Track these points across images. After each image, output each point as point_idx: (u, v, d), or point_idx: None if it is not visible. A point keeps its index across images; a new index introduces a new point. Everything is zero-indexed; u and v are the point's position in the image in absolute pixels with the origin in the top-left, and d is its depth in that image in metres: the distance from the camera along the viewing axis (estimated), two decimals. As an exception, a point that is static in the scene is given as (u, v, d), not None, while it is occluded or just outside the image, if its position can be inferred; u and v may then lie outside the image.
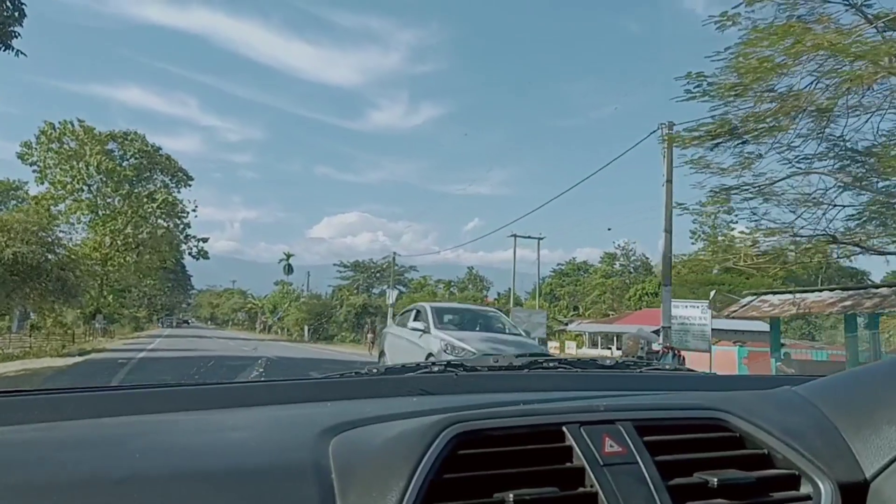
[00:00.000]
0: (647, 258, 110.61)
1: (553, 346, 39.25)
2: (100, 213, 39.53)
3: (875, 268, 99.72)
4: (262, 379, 1.56)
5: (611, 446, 0.96)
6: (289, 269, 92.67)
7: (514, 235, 36.90)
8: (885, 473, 0.99)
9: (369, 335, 27.47)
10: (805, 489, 1.00)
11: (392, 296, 39.04)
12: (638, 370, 1.70)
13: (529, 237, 37.55)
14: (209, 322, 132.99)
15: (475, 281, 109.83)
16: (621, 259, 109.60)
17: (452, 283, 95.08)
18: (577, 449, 0.95)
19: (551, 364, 1.67)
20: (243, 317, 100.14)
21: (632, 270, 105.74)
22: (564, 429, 0.97)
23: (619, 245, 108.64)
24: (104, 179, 40.43)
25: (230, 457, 0.92)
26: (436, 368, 1.52)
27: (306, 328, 58.67)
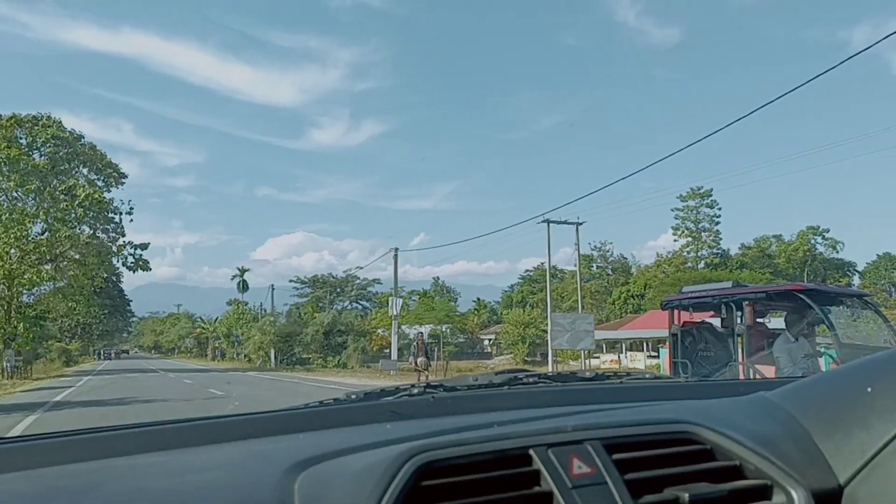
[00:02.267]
0: (625, 258, 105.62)
1: (610, 359, 31.83)
2: (1, 217, 30.06)
3: (860, 258, 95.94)
4: (233, 413, 1.40)
5: (579, 467, 0.95)
6: (244, 287, 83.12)
7: (548, 221, 29.48)
8: (858, 478, 0.96)
9: (420, 359, 20.75)
10: (778, 499, 0.98)
11: (397, 305, 31.35)
12: (618, 381, 1.66)
13: (566, 222, 30.14)
14: (153, 351, 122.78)
15: (442, 292, 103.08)
16: (598, 261, 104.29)
17: (424, 294, 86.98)
18: (544, 472, 0.93)
19: (531, 380, 1.63)
20: (192, 343, 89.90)
21: (610, 272, 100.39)
22: (532, 452, 0.95)
23: (595, 246, 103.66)
24: (6, 172, 31.19)
25: (196, 501, 0.91)
26: (415, 391, 1.49)
27: (273, 353, 49.70)
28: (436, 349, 45.82)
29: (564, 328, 27.88)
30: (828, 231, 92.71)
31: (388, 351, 71.19)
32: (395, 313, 32.03)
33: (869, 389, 1.01)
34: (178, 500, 0.89)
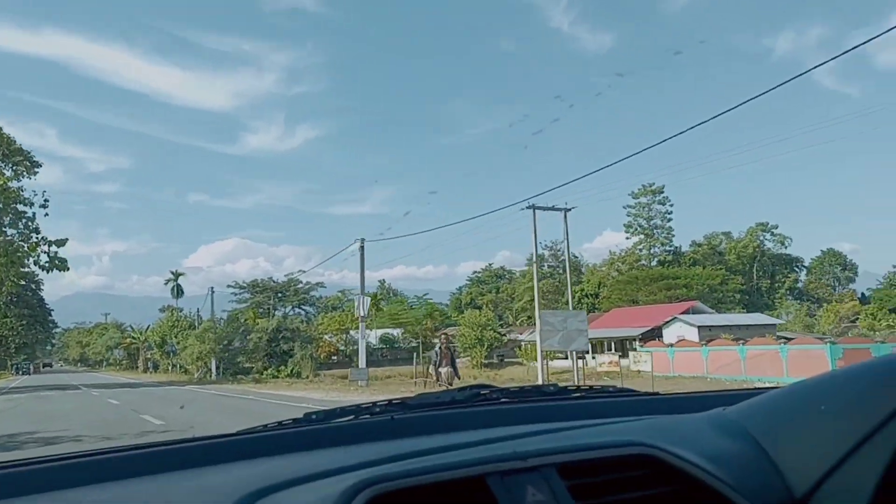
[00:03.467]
0: (576, 257, 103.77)
1: (609, 360, 28.55)
2: None
3: (806, 254, 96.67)
4: (181, 439, 1.33)
5: (533, 495, 0.95)
6: (178, 292, 77.22)
7: (534, 207, 26.01)
8: (814, 496, 0.99)
9: (444, 369, 16.96)
10: None
11: (365, 304, 27.21)
12: (580, 396, 1.68)
13: (553, 208, 26.79)
14: (79, 364, 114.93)
15: (388, 295, 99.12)
16: (549, 259, 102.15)
17: (374, 297, 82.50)
18: (500, 501, 0.94)
19: (494, 396, 1.63)
20: (121, 355, 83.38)
21: (562, 271, 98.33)
22: (487, 481, 0.96)
23: (547, 245, 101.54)
24: None
25: None
26: (377, 409, 1.49)
27: (213, 363, 44.84)
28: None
29: (555, 327, 24.41)
30: (776, 227, 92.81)
31: (335, 358, 67.52)
32: (362, 314, 27.82)
33: (822, 407, 1.03)
34: None
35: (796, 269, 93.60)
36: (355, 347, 68.52)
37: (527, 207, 26.02)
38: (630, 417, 1.37)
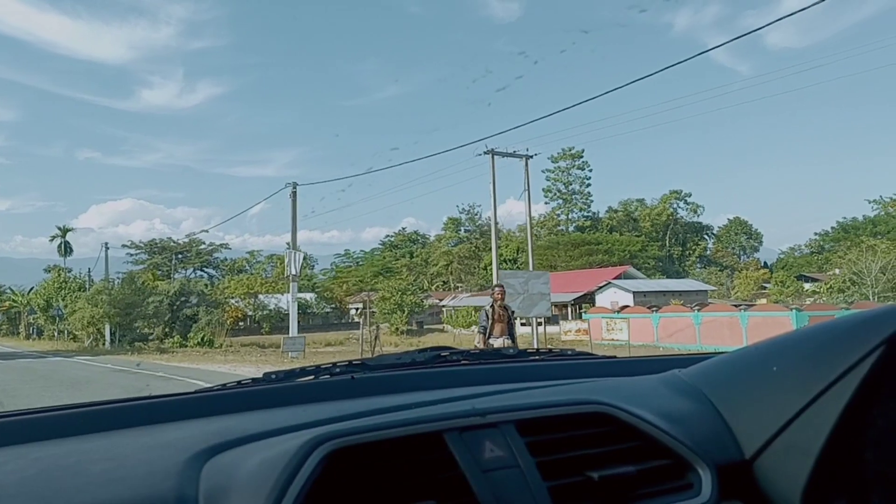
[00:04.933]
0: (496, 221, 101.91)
1: (576, 329, 25.83)
2: None
3: (717, 221, 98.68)
4: (138, 397, 1.31)
5: (491, 451, 0.97)
6: (66, 250, 69.80)
7: (492, 152, 22.85)
8: (765, 453, 1.02)
9: (499, 338, 11.80)
10: (686, 477, 1.03)
11: (297, 261, 23.20)
12: (540, 359, 1.69)
13: (515, 154, 23.66)
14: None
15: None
16: (466, 224, 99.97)
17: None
18: (457, 457, 0.95)
19: (454, 357, 1.63)
20: (0, 319, 75.18)
21: (479, 236, 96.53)
22: (445, 436, 0.97)
23: (463, 209, 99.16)
24: None
25: (89, 494, 0.86)
26: (337, 370, 1.48)
27: (108, 330, 39.58)
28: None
29: (516, 290, 21.48)
30: (689, 195, 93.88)
31: (242, 324, 62.99)
32: (293, 272, 23.63)
33: (774, 368, 1.05)
34: (72, 492, 0.85)
35: (706, 237, 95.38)
36: (265, 312, 64.72)
37: (485, 152, 22.97)
38: (588, 379, 1.39)
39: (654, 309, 32.23)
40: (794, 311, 29.26)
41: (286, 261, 23.61)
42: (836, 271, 62.51)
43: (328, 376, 1.45)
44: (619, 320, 23.94)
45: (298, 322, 25.04)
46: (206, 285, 57.68)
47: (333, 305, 70.37)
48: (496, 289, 10.89)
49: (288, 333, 24.44)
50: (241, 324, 58.58)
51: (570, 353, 1.79)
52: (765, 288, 62.15)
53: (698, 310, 32.11)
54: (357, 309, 74.13)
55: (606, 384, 1.30)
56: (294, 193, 23.63)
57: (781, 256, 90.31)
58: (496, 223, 25.20)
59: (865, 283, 44.08)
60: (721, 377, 1.18)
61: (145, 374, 18.60)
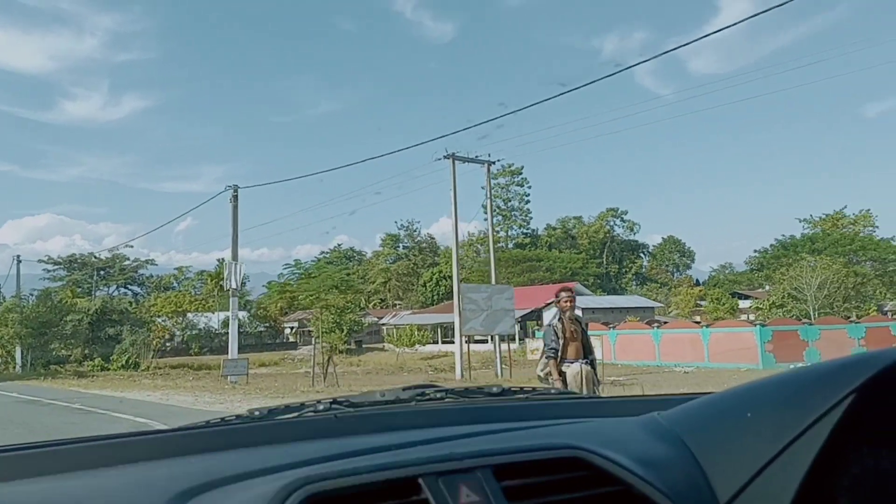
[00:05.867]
0: (433, 238, 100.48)
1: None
2: None
3: (652, 240, 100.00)
4: (118, 434, 1.34)
5: (467, 496, 0.98)
6: (-28, 266, 64.57)
7: (454, 156, 21.18)
8: (738, 500, 1.03)
9: (574, 365, 8.12)
10: None
11: (238, 273, 20.73)
12: (524, 398, 1.70)
13: (477, 159, 22.10)
14: None
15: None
16: (405, 240, 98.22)
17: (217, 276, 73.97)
18: (432, 502, 0.97)
19: (438, 395, 1.65)
20: None
21: (417, 252, 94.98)
22: (421, 481, 0.99)
23: (402, 225, 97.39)
24: None
25: None
26: (321, 407, 1.49)
27: (20, 352, 35.88)
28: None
29: (479, 306, 19.87)
30: (626, 213, 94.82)
31: (170, 345, 59.26)
32: (234, 284, 21.18)
33: (749, 414, 1.07)
34: None
35: (642, 255, 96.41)
36: (194, 332, 61.32)
37: (445, 157, 21.34)
38: (569, 420, 1.39)
39: (612, 326, 31.16)
40: (758, 326, 28.48)
41: (225, 273, 21.21)
42: (767, 287, 64.06)
43: (311, 414, 1.45)
44: (594, 338, 22.70)
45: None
46: (130, 303, 54.19)
47: (268, 324, 67.28)
48: (564, 294, 7.79)
49: (224, 354, 22.05)
50: (167, 344, 55.28)
51: (553, 392, 1.81)
52: (699, 305, 62.77)
53: (657, 326, 31.13)
54: (293, 328, 71.22)
55: (586, 427, 1.30)
56: (235, 197, 21.34)
57: (713, 274, 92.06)
58: (457, 233, 23.62)
59: (805, 299, 44.53)
60: (698, 422, 1.17)
61: (60, 405, 15.83)
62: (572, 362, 7.50)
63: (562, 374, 7.41)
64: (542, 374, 7.59)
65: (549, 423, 1.35)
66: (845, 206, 71.74)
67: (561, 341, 7.50)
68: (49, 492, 1.00)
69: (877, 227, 67.67)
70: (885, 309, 49.24)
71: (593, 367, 7.68)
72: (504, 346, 21.93)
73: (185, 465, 1.10)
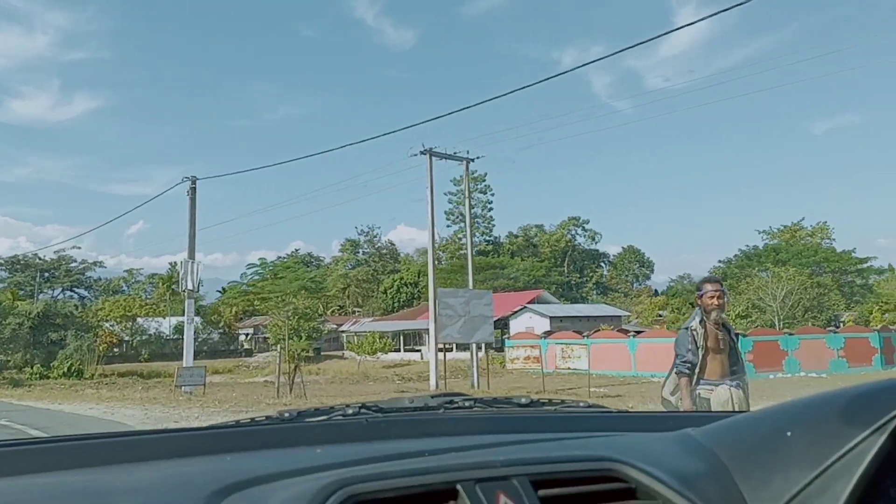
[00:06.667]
0: (393, 244, 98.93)
1: (527, 354, 22.80)
2: None
3: (613, 250, 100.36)
4: (153, 430, 1.43)
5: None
6: None
7: (430, 152, 19.85)
8: None
9: (711, 384, 6.08)
10: None
11: (195, 273, 18.89)
12: (553, 409, 1.70)
13: (455, 155, 20.79)
14: None
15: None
16: (364, 246, 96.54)
17: (169, 279, 71.13)
18: None
19: (467, 404, 1.65)
20: None
21: (378, 259, 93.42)
22: (459, 487, 0.99)
23: (362, 230, 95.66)
24: None
25: None
26: (350, 411, 1.51)
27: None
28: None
29: (457, 312, 18.61)
30: (588, 222, 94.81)
31: (117, 351, 56.54)
32: (190, 285, 19.26)
33: (788, 434, 1.05)
34: None
35: (602, 265, 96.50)
36: (144, 337, 58.74)
37: (422, 152, 20.03)
38: (601, 433, 1.39)
39: (587, 335, 30.20)
40: (739, 336, 27.57)
41: (181, 273, 19.32)
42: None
43: (341, 417, 1.46)
44: (577, 347, 21.60)
45: (182, 349, 20.53)
46: (76, 307, 51.62)
47: (222, 330, 64.92)
48: (709, 288, 5.69)
49: (175, 361, 20.23)
50: (115, 350, 52.81)
51: (582, 404, 1.79)
52: (660, 315, 62.94)
53: (634, 336, 30.24)
54: (248, 334, 68.88)
55: (620, 441, 1.28)
56: (193, 189, 19.58)
57: (671, 285, 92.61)
58: (434, 233, 22.27)
59: (770, 309, 44.58)
60: (735, 439, 1.16)
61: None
62: (716, 384, 5.54)
63: (696, 404, 5.49)
64: (669, 397, 5.71)
65: (581, 436, 1.32)
66: (803, 218, 72.69)
67: (700, 352, 5.56)
68: (89, 483, 1.01)
69: (833, 238, 68.78)
70: (841, 319, 49.78)
71: (744, 392, 5.65)
72: (480, 354, 20.64)
73: (220, 463, 1.09)
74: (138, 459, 1.12)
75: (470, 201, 22.43)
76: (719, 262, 69.52)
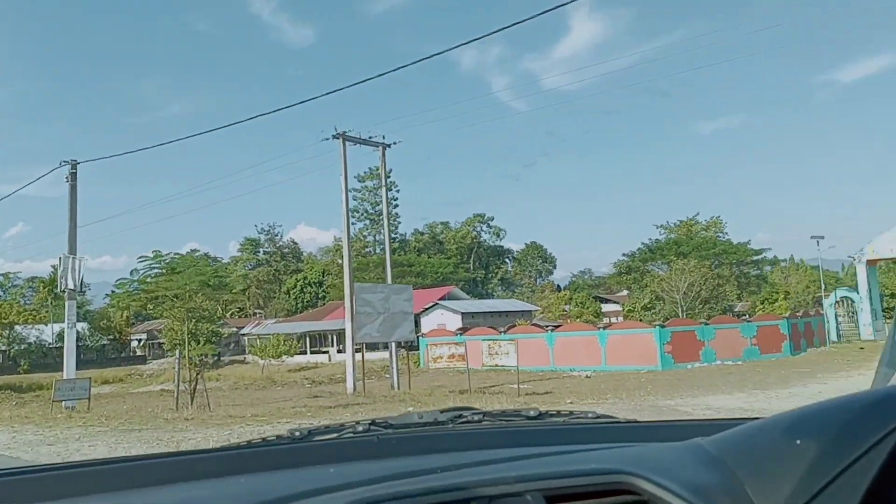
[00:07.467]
0: (296, 243, 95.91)
1: (451, 352, 21.34)
2: None
3: (517, 246, 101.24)
4: (163, 453, 1.45)
5: None
6: None
7: (344, 136, 18.37)
8: None
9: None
10: None
11: (77, 270, 16.58)
12: (561, 421, 1.70)
13: (370, 140, 19.35)
14: None
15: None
16: (266, 245, 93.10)
17: (50, 282, 65.97)
18: None
19: (476, 418, 1.65)
20: None
21: (280, 258, 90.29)
22: None
23: (263, 229, 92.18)
24: None
25: None
26: (360, 428, 1.51)
27: None
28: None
29: (376, 309, 17.35)
30: (493, 219, 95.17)
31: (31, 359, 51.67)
32: (70, 285, 16.83)
33: (798, 442, 1.06)
34: None
35: (507, 261, 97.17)
36: (23, 347, 53.95)
37: (335, 136, 18.59)
38: (612, 444, 1.39)
39: (503, 330, 29.41)
40: (657, 328, 27.52)
41: (60, 270, 16.82)
42: (625, 292, 66.28)
43: (351, 435, 1.47)
44: (505, 343, 20.68)
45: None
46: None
47: (112, 336, 60.60)
48: None
49: (59, 373, 17.85)
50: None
51: (591, 415, 1.79)
52: (564, 310, 63.69)
53: (551, 330, 29.68)
54: (140, 340, 64.68)
55: (631, 452, 1.29)
56: (73, 174, 17.16)
57: (573, 280, 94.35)
58: (349, 223, 20.78)
59: (673, 301, 45.48)
60: (745, 448, 1.16)
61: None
62: None
63: None
64: None
65: (591, 448, 1.32)
66: (698, 213, 75.36)
67: None
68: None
69: (726, 232, 71.63)
70: (736, 309, 51.61)
71: None
72: (396, 353, 19.38)
73: (235, 486, 1.09)
74: (154, 483, 1.11)
75: (387, 189, 21.14)
76: (623, 255, 71.11)
